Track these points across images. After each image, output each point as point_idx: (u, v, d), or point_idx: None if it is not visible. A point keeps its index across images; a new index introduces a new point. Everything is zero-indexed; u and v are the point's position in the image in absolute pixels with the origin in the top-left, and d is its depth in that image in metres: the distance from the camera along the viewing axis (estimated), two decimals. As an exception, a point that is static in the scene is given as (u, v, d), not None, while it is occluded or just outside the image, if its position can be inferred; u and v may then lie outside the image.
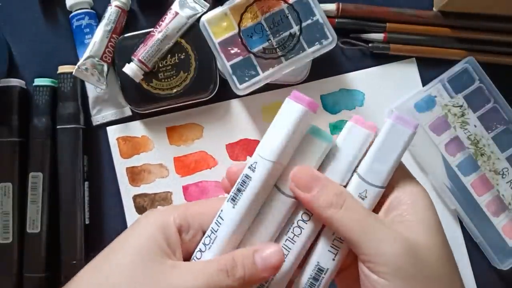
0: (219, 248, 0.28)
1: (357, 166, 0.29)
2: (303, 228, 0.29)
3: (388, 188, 0.29)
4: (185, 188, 0.46)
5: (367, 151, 0.29)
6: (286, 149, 0.28)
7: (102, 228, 0.46)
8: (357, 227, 0.26)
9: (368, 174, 0.28)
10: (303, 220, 0.29)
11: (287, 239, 0.29)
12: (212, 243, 0.28)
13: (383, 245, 0.26)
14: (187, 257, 0.30)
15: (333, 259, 0.29)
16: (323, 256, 0.29)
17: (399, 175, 0.29)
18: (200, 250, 0.29)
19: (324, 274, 0.29)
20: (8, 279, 0.43)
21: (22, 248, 0.43)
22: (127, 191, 0.46)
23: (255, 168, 0.28)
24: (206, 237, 0.29)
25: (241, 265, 0.27)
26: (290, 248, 0.29)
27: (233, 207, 0.28)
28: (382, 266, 0.26)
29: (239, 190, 0.28)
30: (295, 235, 0.29)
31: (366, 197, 0.28)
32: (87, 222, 0.45)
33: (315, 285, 0.29)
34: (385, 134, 0.28)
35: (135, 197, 0.46)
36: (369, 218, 0.27)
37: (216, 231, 0.28)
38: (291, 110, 0.28)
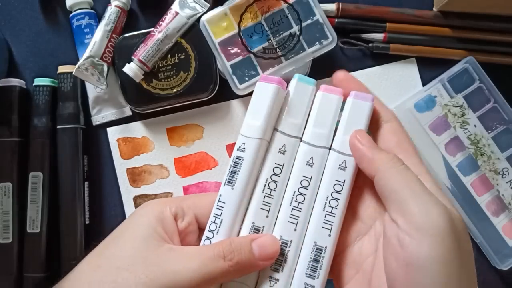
0: (227, 230, 0.29)
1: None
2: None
3: None
4: (186, 189, 0.46)
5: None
6: (268, 126, 0.30)
7: (102, 228, 0.46)
8: (409, 187, 0.27)
9: (344, 146, 0.31)
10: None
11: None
12: (219, 227, 0.29)
13: (432, 210, 0.26)
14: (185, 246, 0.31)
15: (329, 235, 0.29)
16: (318, 234, 0.29)
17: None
18: (208, 238, 0.30)
19: (324, 253, 0.28)
20: (8, 279, 0.43)
21: (22, 248, 0.43)
22: (128, 192, 0.46)
23: (244, 148, 0.29)
24: (211, 223, 0.30)
25: (238, 251, 0.28)
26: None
27: (232, 189, 0.29)
28: (422, 230, 0.26)
29: (233, 172, 0.29)
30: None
31: (346, 167, 0.31)
32: (87, 222, 0.45)
33: (317, 267, 0.28)
34: (348, 111, 0.32)
35: (135, 198, 0.46)
36: (422, 184, 0.28)
37: (220, 215, 0.29)
38: (265, 90, 0.30)
